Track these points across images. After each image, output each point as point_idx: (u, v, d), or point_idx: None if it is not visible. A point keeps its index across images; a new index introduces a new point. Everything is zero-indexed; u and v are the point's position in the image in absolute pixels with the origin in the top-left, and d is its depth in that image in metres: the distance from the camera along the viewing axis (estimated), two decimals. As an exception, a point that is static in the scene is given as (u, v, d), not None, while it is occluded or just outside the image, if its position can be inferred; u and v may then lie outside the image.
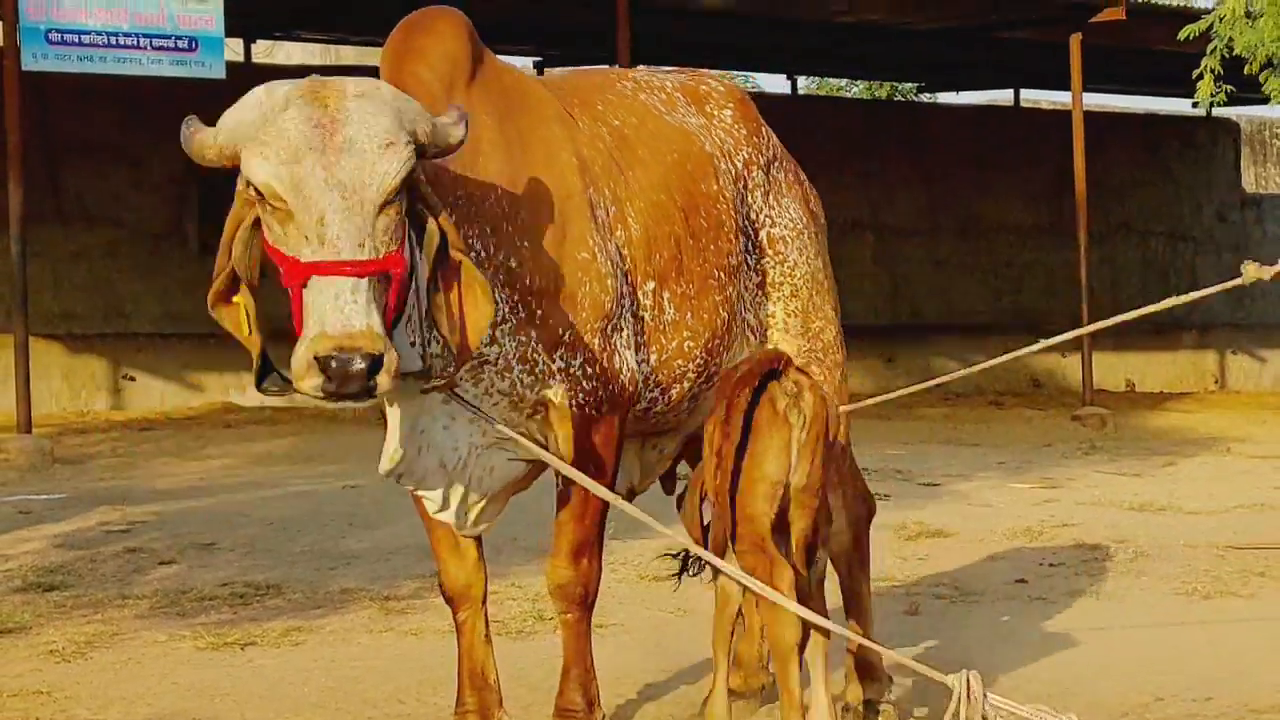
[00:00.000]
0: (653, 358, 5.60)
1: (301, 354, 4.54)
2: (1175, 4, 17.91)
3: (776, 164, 6.42)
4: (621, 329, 5.45)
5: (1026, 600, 8.24)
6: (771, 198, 6.29)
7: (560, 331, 5.25)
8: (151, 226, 21.16)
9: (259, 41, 23.43)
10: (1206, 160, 29.90)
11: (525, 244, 5.20)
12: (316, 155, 4.55)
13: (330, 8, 20.78)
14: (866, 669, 6.05)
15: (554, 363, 5.24)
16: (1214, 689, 6.41)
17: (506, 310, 5.14)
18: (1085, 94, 20.49)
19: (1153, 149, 29.16)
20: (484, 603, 5.61)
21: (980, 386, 24.45)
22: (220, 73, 15.20)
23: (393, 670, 6.82)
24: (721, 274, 5.94)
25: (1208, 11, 16.38)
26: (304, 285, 4.56)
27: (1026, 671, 6.62)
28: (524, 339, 5.18)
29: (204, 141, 4.75)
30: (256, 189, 4.62)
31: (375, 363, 4.48)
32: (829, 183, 25.83)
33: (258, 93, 4.73)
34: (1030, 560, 9.38)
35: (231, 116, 4.73)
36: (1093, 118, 22.90)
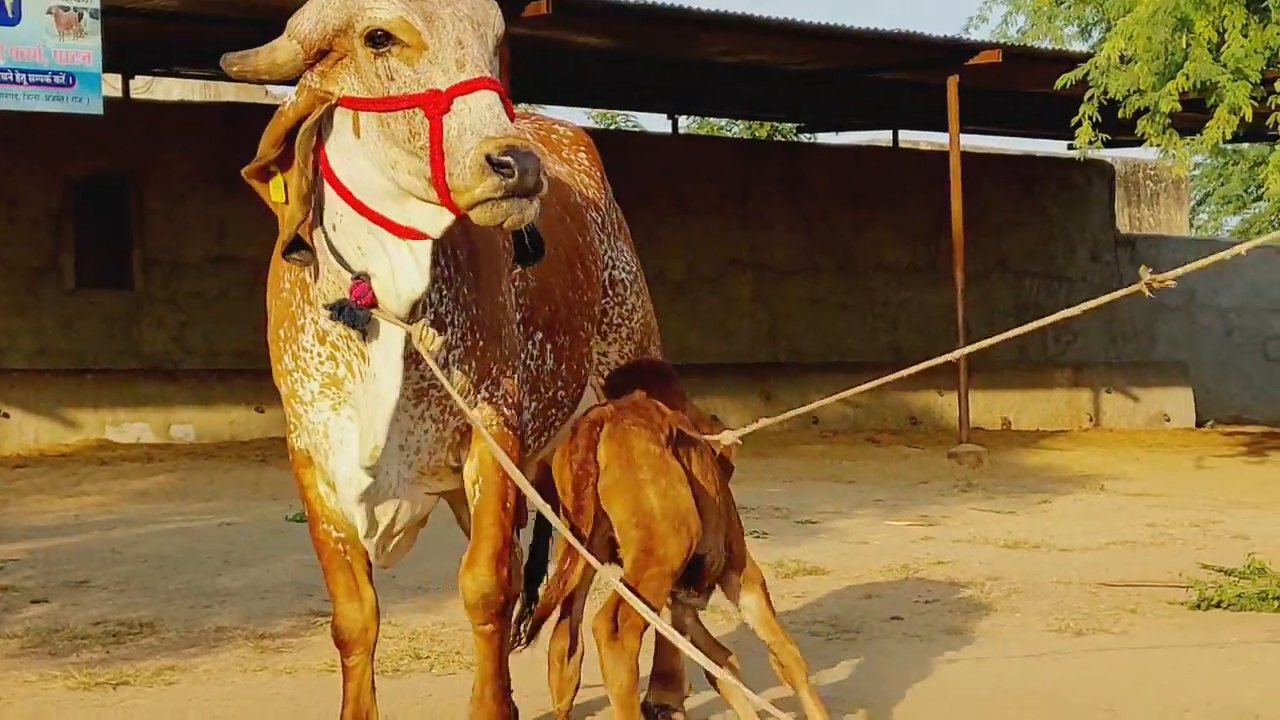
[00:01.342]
0: (533, 406, 5.65)
1: (469, 161, 4.56)
2: (1051, 49, 18.09)
3: (613, 204, 6.51)
4: (520, 374, 5.51)
5: (902, 637, 8.28)
6: (612, 239, 6.36)
7: (490, 366, 5.30)
8: (27, 261, 20.98)
9: (137, 77, 23.27)
10: (1081, 201, 30.26)
11: (472, 275, 5.27)
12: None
13: (208, 45, 20.67)
14: (669, 675, 6.14)
15: (480, 393, 5.27)
16: (1085, 724, 6.47)
17: (457, 338, 5.18)
18: (962, 135, 20.70)
19: (1029, 190, 29.49)
20: (374, 648, 5.56)
21: (858, 424, 24.61)
22: (98, 108, 15.10)
23: (267, 710, 6.76)
24: (589, 325, 6.04)
25: (1084, 56, 16.61)
26: (446, 113, 4.60)
27: (901, 708, 6.65)
28: (465, 369, 5.20)
29: (280, 45, 4.85)
30: (380, 33, 4.71)
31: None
32: (710, 221, 26.17)
33: None
34: (906, 597, 9.43)
35: (317, 4, 4.83)
36: (970, 159, 23.16)
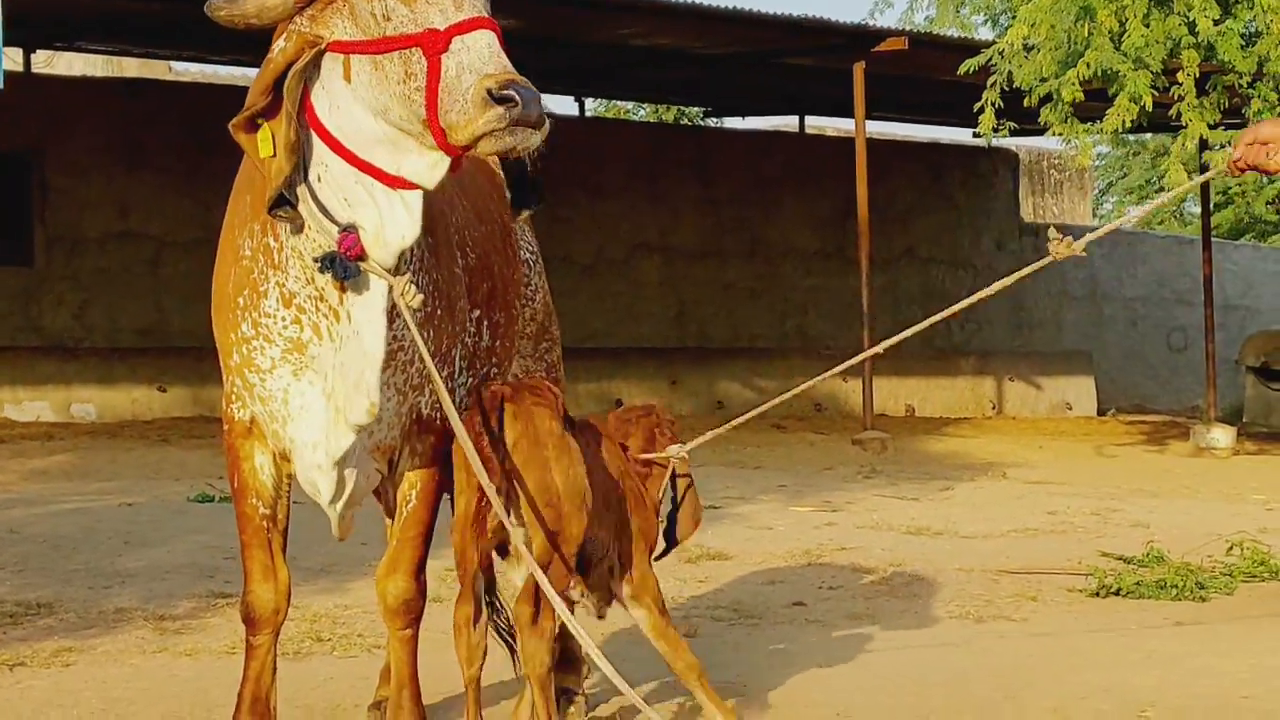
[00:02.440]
0: (467, 382, 5.61)
1: (471, 95, 4.54)
2: (958, 36, 18.18)
3: None
4: (461, 350, 5.49)
5: (804, 623, 8.31)
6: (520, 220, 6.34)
7: (443, 339, 5.28)
8: (-75, 237, 20.76)
9: (39, 51, 23.03)
10: (986, 189, 30.45)
11: (432, 241, 5.22)
12: None
13: (110, 19, 20.49)
14: (569, 659, 6.14)
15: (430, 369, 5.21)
16: (987, 711, 6.50)
17: (426, 300, 5.11)
18: (869, 122, 20.77)
19: (935, 177, 29.64)
20: (280, 629, 5.52)
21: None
22: (-2, 82, 14.92)
23: (166, 692, 6.71)
24: (519, 303, 6.02)
25: (988, 44, 16.70)
26: (444, 52, 4.58)
27: (802, 694, 6.67)
28: (423, 336, 5.12)
29: None
30: None
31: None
32: (617, 205, 26.16)
33: None
34: (809, 583, 9.46)
35: None
36: (876, 145, 23.24)
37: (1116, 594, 9.17)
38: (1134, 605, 8.95)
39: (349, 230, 4.85)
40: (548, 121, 4.61)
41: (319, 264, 4.88)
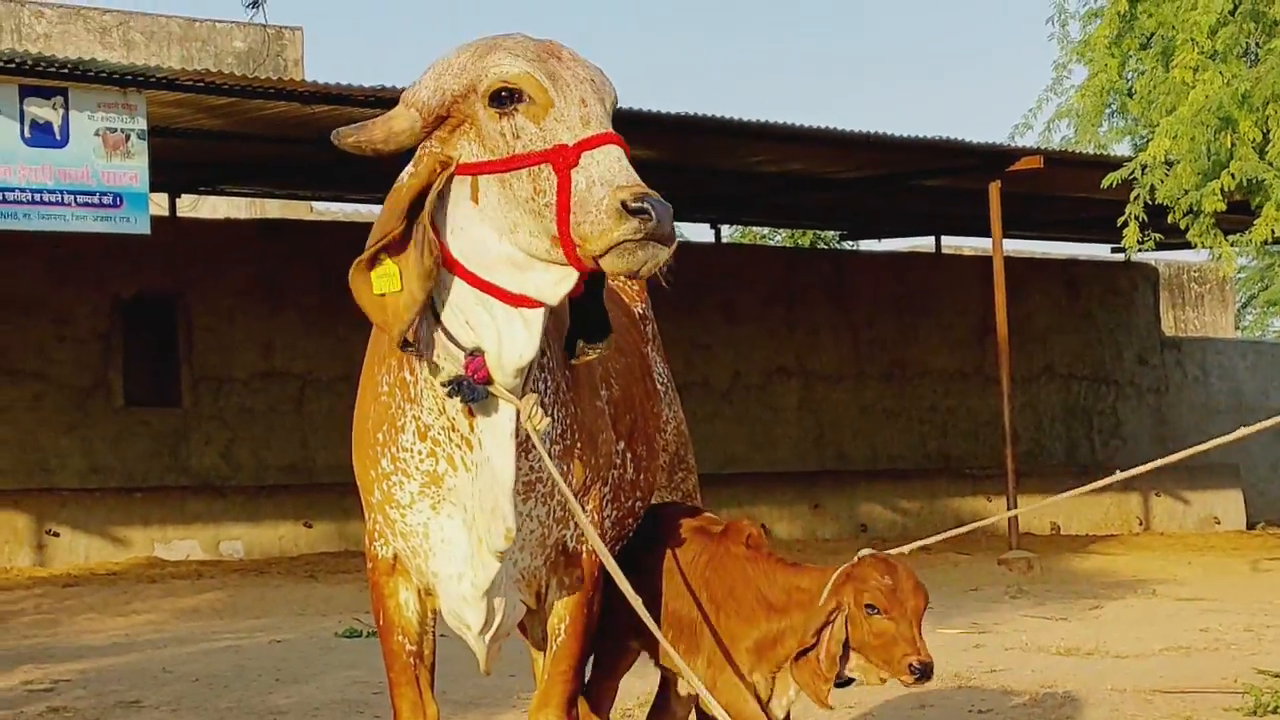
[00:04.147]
0: (613, 515, 5.60)
1: (604, 207, 4.55)
2: (1091, 153, 18.13)
3: (651, 315, 6.49)
4: (607, 485, 5.48)
5: (956, 747, 8.24)
6: (654, 350, 6.34)
7: (585, 473, 5.26)
8: (76, 380, 21.12)
9: (183, 196, 23.47)
10: (1126, 304, 30.25)
11: (570, 374, 5.22)
12: (558, 60, 4.77)
13: (252, 164, 20.88)
14: None
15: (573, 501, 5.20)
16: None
17: (556, 433, 5.13)
18: (1005, 239, 20.72)
19: (1073, 293, 29.49)
20: None
21: (907, 531, 24.53)
22: (145, 228, 15.21)
23: (320, 828, 6.74)
24: (660, 436, 6.02)
25: (1124, 159, 16.65)
26: (574, 167, 4.61)
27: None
28: (562, 470, 5.12)
29: (397, 114, 4.83)
30: (506, 91, 4.71)
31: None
32: (755, 329, 26.19)
33: (452, 51, 4.86)
34: (959, 707, 9.38)
35: (435, 74, 4.83)
36: (1013, 263, 23.17)
37: (1274, 712, 9.02)
38: (1292, 723, 8.81)
39: (474, 354, 4.85)
40: (676, 239, 4.63)
41: (448, 388, 4.87)
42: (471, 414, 4.93)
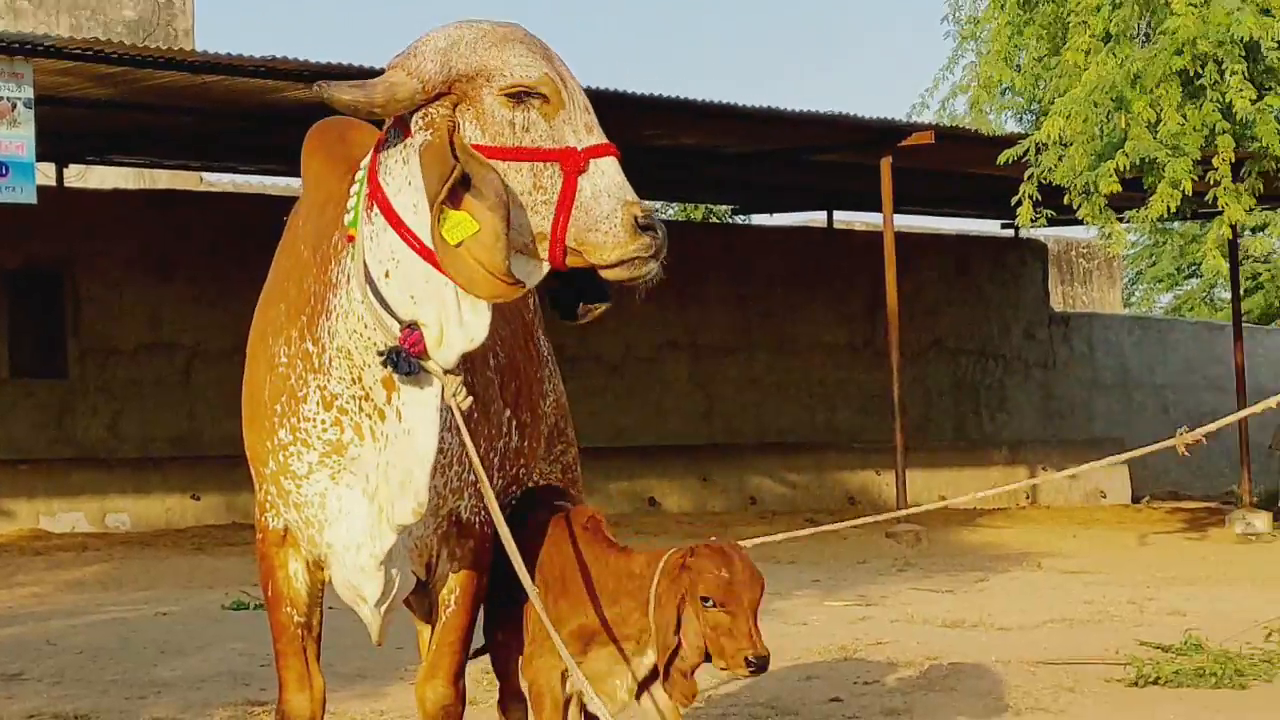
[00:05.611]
0: (500, 483, 5.60)
1: (620, 220, 4.68)
2: (983, 130, 18.22)
3: None
4: (497, 451, 5.50)
5: (841, 719, 8.29)
6: (535, 319, 6.35)
7: (480, 443, 5.25)
8: (-40, 350, 20.89)
9: (70, 165, 23.23)
10: (1015, 280, 30.48)
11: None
12: (561, 62, 4.84)
13: (141, 134, 20.67)
14: None
15: (468, 474, 5.23)
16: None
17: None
18: (896, 215, 20.82)
19: (963, 269, 29.69)
20: None
21: (796, 503, 24.66)
22: (31, 197, 15.02)
23: (205, 801, 6.72)
24: (543, 402, 6.02)
25: (1019, 137, 16.76)
26: (582, 173, 4.68)
27: (842, 790, 6.66)
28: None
29: (399, 80, 4.71)
30: (521, 90, 4.70)
31: None
32: (645, 303, 26.09)
33: (454, 28, 4.80)
34: (845, 678, 9.43)
35: (440, 50, 4.74)
36: (904, 238, 23.31)
37: (1155, 683, 9.13)
38: (1173, 694, 8.91)
39: (412, 327, 4.84)
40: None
41: (383, 357, 4.84)
42: (394, 386, 4.92)
